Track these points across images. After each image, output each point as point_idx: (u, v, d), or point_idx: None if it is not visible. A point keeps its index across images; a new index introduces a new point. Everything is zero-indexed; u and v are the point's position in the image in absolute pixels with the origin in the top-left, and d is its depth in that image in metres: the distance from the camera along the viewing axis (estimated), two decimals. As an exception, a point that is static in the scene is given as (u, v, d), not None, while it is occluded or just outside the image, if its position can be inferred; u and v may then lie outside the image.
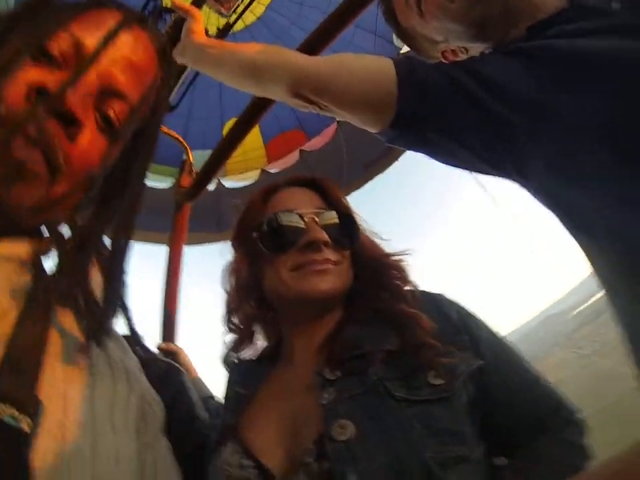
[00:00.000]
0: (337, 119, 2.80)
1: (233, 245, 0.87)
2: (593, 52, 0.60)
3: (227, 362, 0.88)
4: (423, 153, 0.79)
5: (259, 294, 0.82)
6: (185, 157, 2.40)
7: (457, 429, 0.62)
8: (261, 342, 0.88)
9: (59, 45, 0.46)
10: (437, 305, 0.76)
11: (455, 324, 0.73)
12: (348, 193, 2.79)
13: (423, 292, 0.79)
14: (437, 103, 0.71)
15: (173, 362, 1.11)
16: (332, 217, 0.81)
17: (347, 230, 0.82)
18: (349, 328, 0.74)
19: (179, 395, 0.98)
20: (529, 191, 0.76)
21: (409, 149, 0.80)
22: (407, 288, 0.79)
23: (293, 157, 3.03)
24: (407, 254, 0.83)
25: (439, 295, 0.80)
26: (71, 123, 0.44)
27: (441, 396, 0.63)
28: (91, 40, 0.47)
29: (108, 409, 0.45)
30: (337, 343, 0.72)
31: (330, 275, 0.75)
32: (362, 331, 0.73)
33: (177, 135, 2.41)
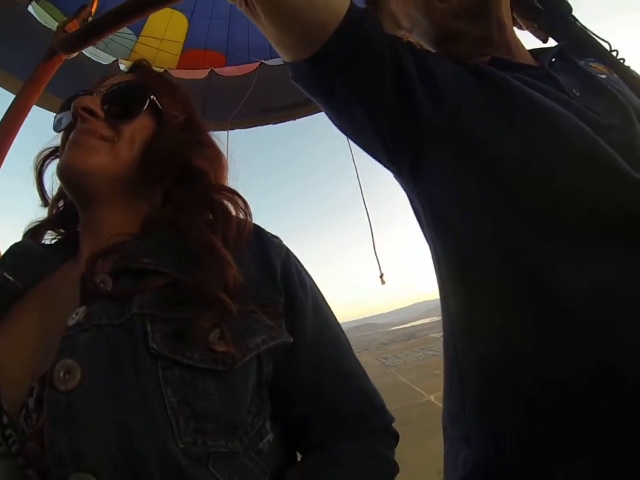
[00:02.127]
0: (262, 61, 2.77)
1: None
2: (542, 104, 0.63)
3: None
4: (322, 103, 0.73)
5: None
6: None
7: (228, 416, 0.47)
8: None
9: None
10: (264, 248, 0.61)
11: (274, 280, 0.58)
12: (232, 127, 2.70)
13: (257, 228, 0.64)
14: (367, 62, 0.66)
15: None
16: (119, 85, 0.65)
17: (133, 100, 0.64)
18: (137, 234, 0.58)
19: None
20: (410, 191, 0.74)
21: (309, 93, 0.73)
22: (239, 217, 0.62)
23: (202, 73, 2.85)
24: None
25: (273, 238, 0.64)
26: None
27: (217, 367, 0.47)
28: None
29: None
30: (116, 248, 0.55)
31: (83, 149, 0.59)
32: (149, 242, 0.56)
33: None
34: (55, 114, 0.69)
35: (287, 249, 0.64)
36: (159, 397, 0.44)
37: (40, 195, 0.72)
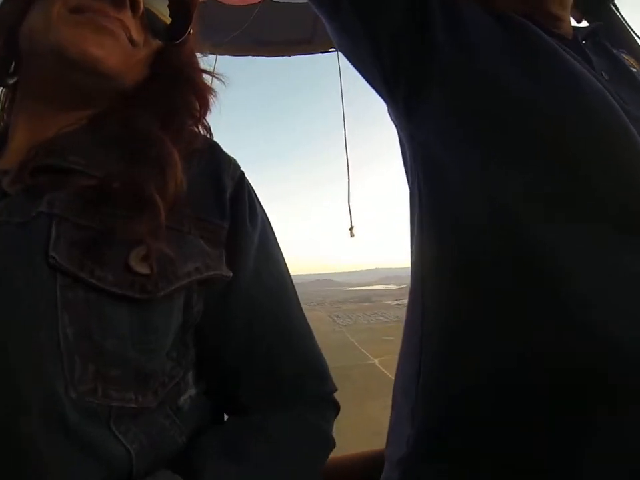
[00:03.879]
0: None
1: None
2: (569, 63, 0.60)
3: None
4: (325, 17, 0.70)
5: (11, 35, 0.51)
6: None
7: (142, 359, 0.39)
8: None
9: None
10: (215, 164, 0.51)
11: (221, 201, 0.48)
12: (222, 53, 2.63)
13: (213, 143, 0.55)
14: None
15: None
16: None
17: (174, 20, 0.55)
18: (76, 131, 0.49)
19: None
20: (401, 130, 0.72)
21: (314, 5, 0.70)
22: (196, 129, 0.56)
23: (207, -6, 2.91)
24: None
25: (229, 157, 0.54)
26: None
27: (134, 294, 0.38)
28: None
29: None
30: (44, 144, 0.46)
31: (117, 45, 0.48)
32: (85, 139, 0.47)
33: None
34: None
35: (242, 172, 0.54)
36: (50, 324, 0.35)
37: None
